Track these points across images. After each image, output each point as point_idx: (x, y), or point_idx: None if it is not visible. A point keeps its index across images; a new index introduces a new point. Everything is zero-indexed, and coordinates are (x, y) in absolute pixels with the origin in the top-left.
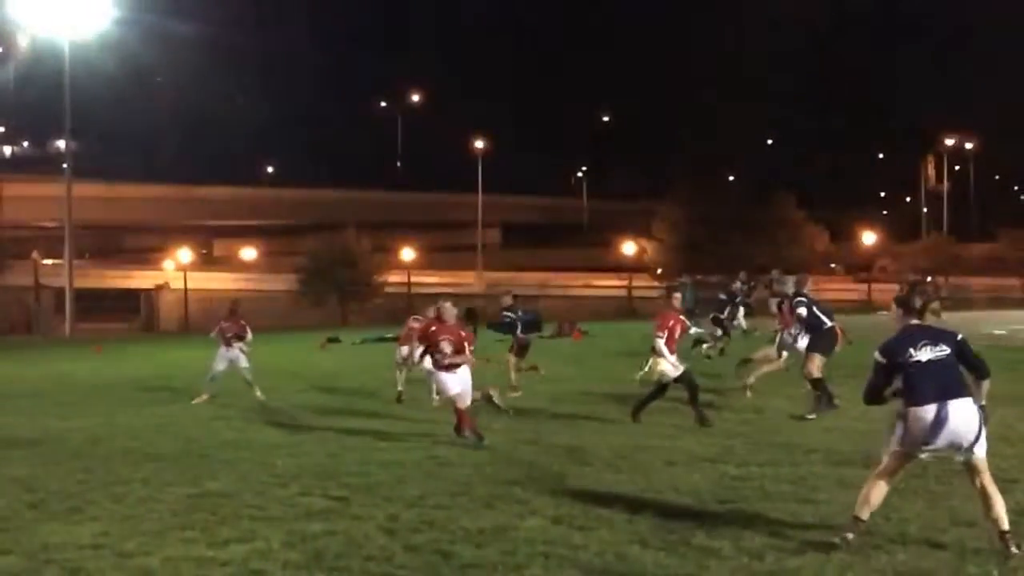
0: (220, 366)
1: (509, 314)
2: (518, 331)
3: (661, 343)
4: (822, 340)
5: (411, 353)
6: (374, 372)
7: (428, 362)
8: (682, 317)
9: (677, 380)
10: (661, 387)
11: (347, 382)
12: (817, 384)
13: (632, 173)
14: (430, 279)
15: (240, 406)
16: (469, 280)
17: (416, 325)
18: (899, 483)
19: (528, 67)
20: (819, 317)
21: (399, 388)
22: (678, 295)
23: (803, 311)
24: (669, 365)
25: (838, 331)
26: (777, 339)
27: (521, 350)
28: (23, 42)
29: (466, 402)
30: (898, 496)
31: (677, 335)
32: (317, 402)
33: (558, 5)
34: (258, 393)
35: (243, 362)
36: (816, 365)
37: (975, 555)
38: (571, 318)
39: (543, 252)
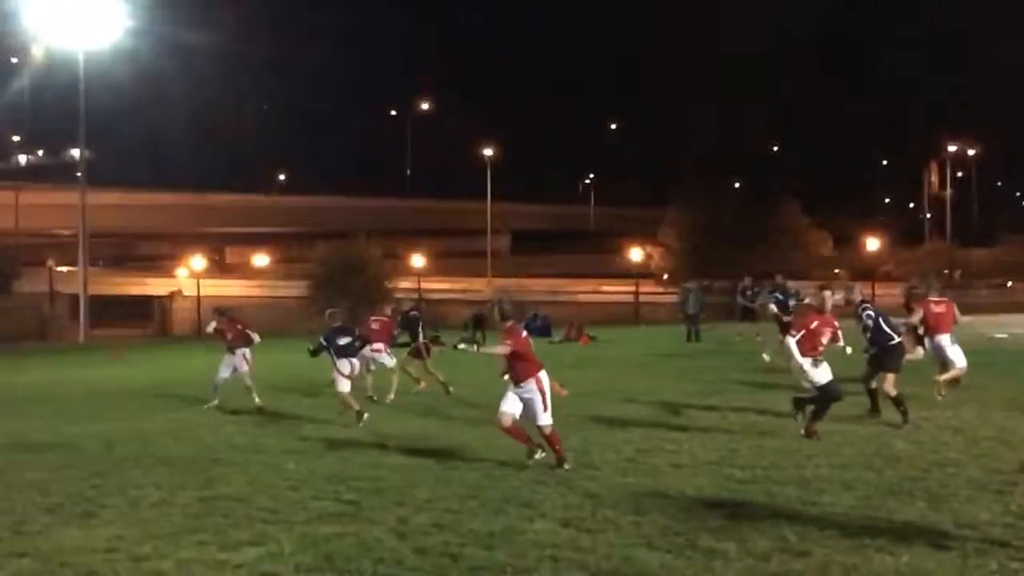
0: (224, 374)
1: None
2: (420, 336)
3: (791, 340)
4: (891, 357)
5: (374, 353)
6: (384, 376)
7: (388, 359)
8: (835, 321)
9: (820, 389)
10: (823, 396)
11: (357, 387)
12: (898, 401)
13: (639, 180)
14: (440, 285)
15: (252, 411)
16: (479, 287)
17: (376, 326)
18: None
19: (536, 75)
20: (885, 331)
21: (369, 392)
22: (828, 293)
23: (870, 316)
24: (809, 368)
25: (905, 346)
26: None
27: (419, 352)
28: (38, 52)
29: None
30: (900, 498)
31: (824, 339)
32: (328, 407)
33: (564, 12)
34: (256, 399)
35: (244, 367)
36: (891, 383)
37: (977, 556)
38: (579, 323)
39: (552, 258)
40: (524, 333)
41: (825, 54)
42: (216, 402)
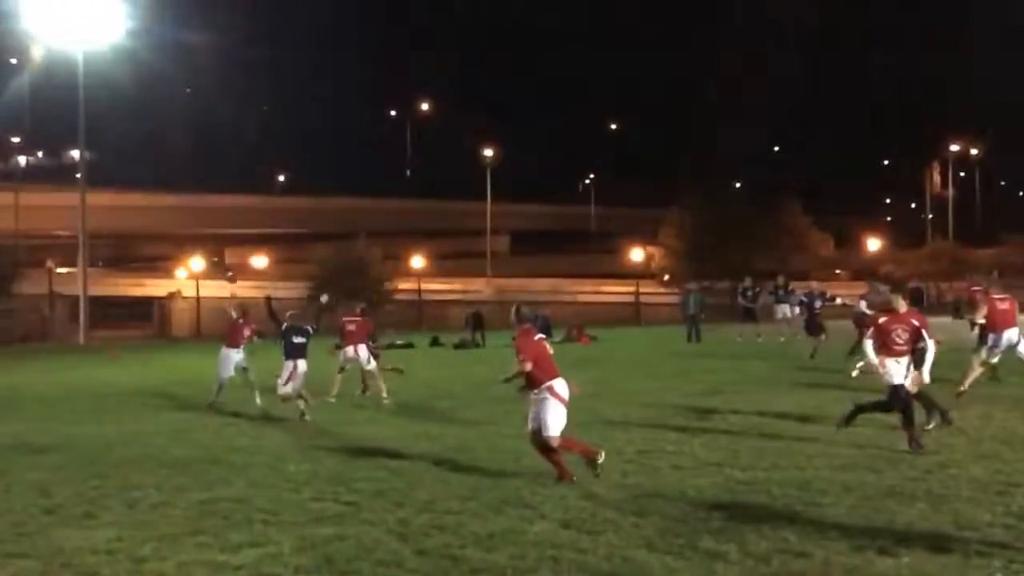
0: (230, 372)
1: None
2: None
3: (868, 343)
4: (920, 356)
5: (355, 354)
6: (384, 378)
7: (369, 361)
8: (914, 321)
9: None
10: (897, 402)
11: (356, 388)
12: (920, 397)
13: (639, 180)
14: (440, 286)
15: (252, 412)
16: (479, 287)
17: (352, 327)
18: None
19: (536, 75)
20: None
21: (333, 393)
22: (879, 286)
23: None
24: (892, 369)
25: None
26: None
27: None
28: (37, 53)
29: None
30: (901, 500)
31: (900, 339)
32: (328, 408)
33: (565, 12)
34: (258, 400)
35: (246, 363)
36: (914, 379)
37: (979, 558)
38: (579, 323)
39: (552, 259)
40: (538, 336)
41: (826, 54)
42: (219, 399)
